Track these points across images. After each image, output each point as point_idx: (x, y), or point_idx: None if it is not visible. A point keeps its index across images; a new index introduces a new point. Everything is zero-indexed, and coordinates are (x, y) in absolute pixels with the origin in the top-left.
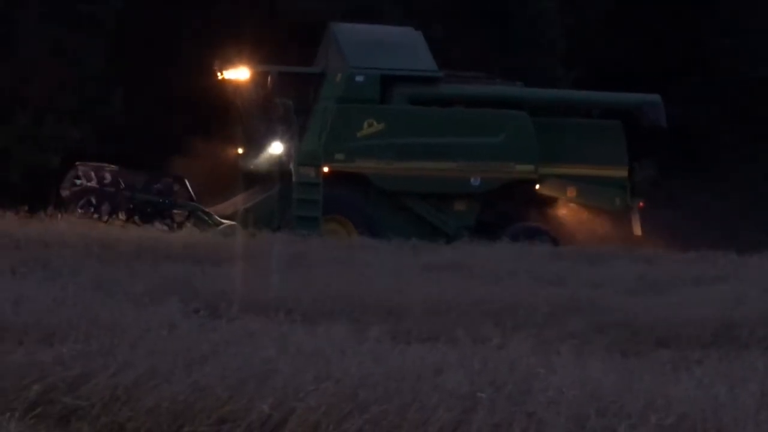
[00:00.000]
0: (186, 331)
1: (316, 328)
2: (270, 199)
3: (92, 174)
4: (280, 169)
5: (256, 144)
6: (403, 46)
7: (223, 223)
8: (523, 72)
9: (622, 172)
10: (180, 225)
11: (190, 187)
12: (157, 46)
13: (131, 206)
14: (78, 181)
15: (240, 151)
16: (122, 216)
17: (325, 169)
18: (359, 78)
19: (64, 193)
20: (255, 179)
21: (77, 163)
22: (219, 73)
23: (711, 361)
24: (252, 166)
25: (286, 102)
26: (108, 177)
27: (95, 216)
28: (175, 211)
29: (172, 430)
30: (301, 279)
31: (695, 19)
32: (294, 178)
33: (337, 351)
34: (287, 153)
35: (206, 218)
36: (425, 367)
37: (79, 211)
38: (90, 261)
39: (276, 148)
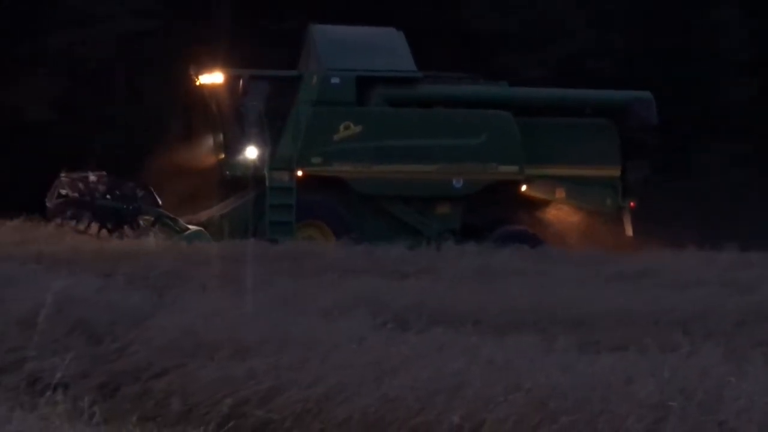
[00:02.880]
0: (375, 344)
1: (505, 339)
2: (245, 206)
3: (77, 184)
4: (254, 174)
5: (233, 150)
6: (382, 47)
7: (189, 229)
8: (700, 81)
9: (613, 172)
10: (145, 231)
11: (155, 193)
12: None
13: (94, 213)
14: (62, 191)
15: (221, 156)
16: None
17: (301, 174)
18: (335, 80)
19: (49, 205)
20: (233, 186)
21: (61, 174)
22: (195, 78)
23: None
24: (229, 172)
25: (257, 105)
26: (99, 186)
27: (75, 225)
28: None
29: None
30: (486, 290)
31: None
32: (267, 183)
33: (526, 362)
34: (261, 158)
35: (172, 224)
36: (615, 377)
37: (58, 221)
38: (278, 276)
39: (251, 153)
